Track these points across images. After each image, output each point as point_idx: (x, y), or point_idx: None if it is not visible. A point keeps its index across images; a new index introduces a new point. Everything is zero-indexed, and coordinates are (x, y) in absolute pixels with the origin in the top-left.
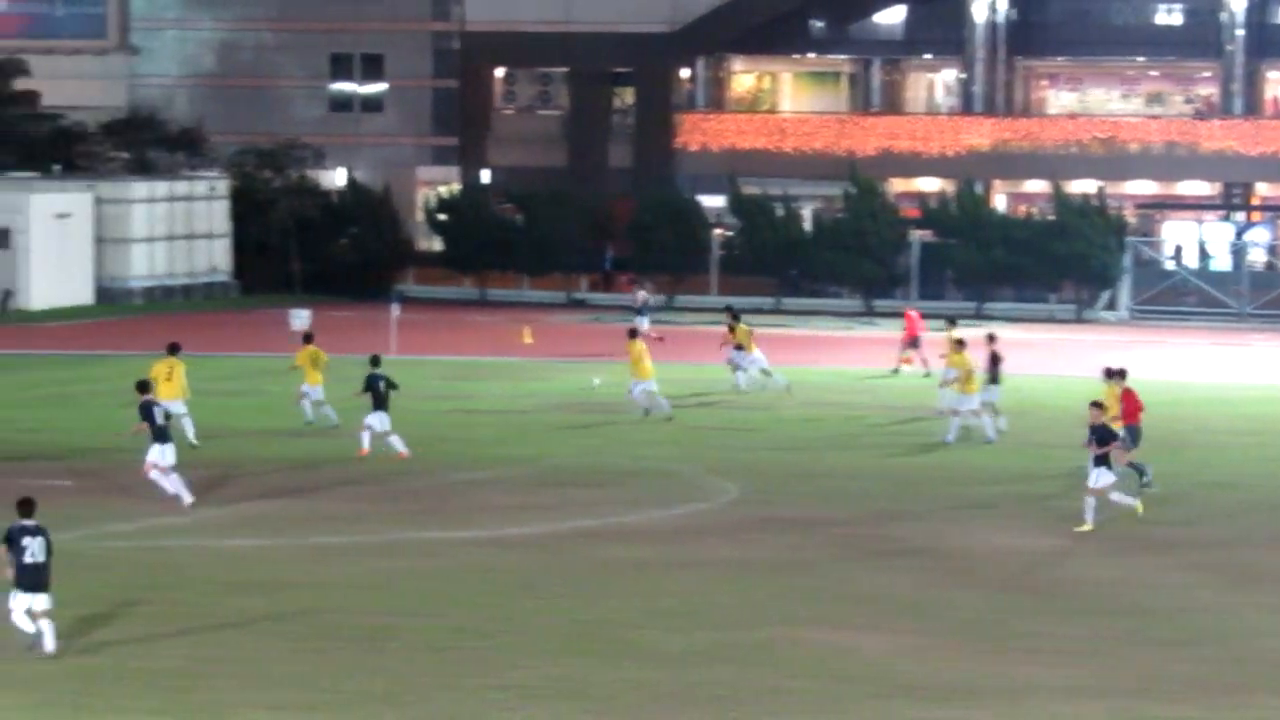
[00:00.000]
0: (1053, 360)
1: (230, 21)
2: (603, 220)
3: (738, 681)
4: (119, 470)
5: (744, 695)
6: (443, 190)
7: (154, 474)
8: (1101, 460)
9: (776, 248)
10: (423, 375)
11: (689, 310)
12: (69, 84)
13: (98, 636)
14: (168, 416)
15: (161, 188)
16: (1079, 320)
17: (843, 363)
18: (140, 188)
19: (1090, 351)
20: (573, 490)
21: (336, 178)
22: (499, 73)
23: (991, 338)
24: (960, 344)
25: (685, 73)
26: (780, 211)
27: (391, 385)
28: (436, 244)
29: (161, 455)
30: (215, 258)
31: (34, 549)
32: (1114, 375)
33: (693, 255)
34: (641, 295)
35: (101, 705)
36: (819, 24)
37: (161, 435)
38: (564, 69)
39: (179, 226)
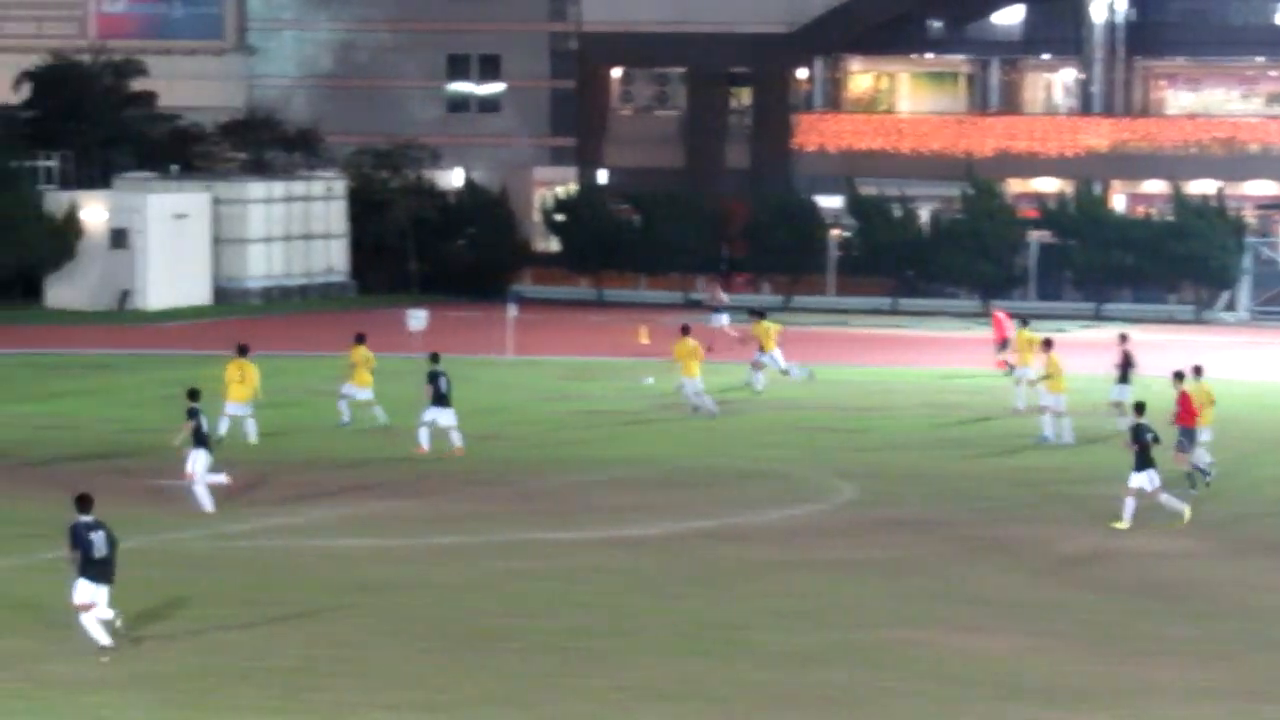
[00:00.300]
0: (1172, 361)
1: (348, 22)
2: (719, 221)
3: (854, 683)
4: (237, 471)
5: (860, 697)
6: (560, 191)
7: (198, 487)
8: (1140, 461)
9: (894, 248)
10: (540, 375)
11: (805, 311)
12: (186, 84)
13: (216, 636)
14: (204, 439)
15: (279, 188)
16: (1198, 321)
17: (959, 363)
18: (257, 188)
19: (1209, 352)
20: (689, 491)
21: (453, 178)
22: (616, 73)
23: (1124, 337)
24: (1048, 344)
25: (803, 73)
26: (898, 212)
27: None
28: (553, 244)
29: (196, 460)
30: (332, 258)
31: (98, 543)
32: (1180, 376)
33: (809, 256)
34: (722, 295)
35: (220, 704)
36: (937, 24)
37: (201, 440)
38: (681, 69)
39: (296, 227)
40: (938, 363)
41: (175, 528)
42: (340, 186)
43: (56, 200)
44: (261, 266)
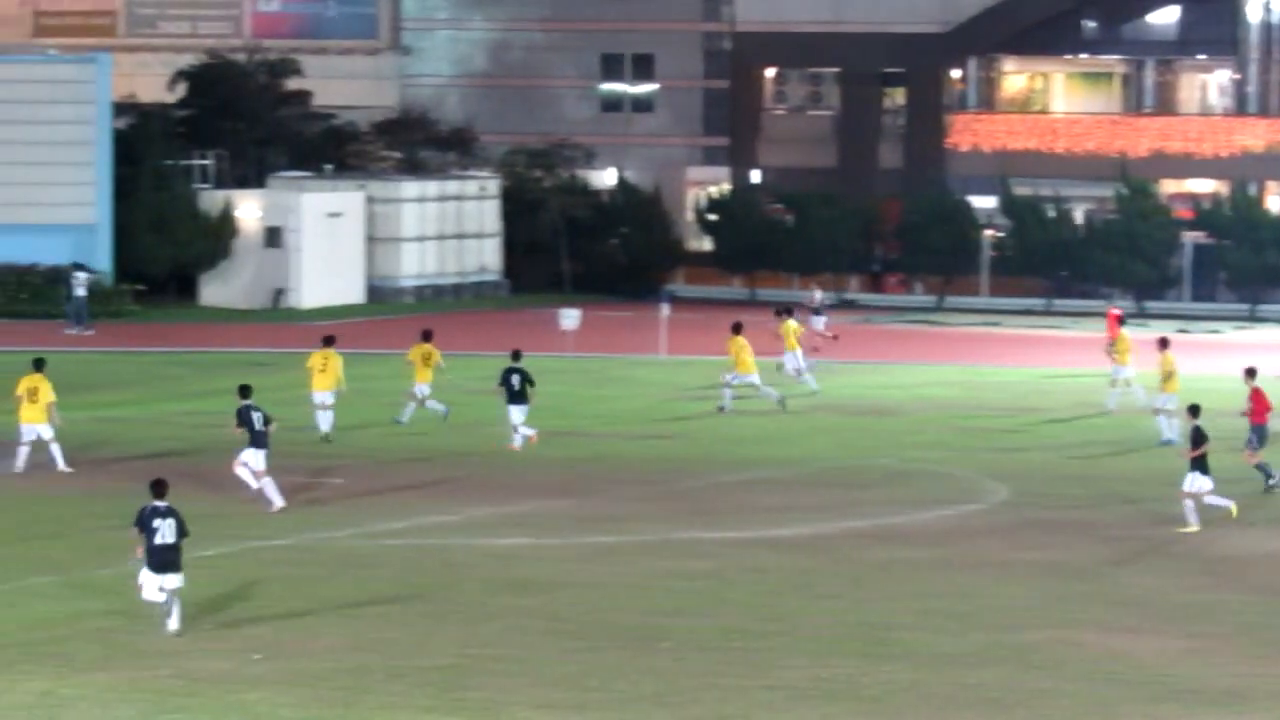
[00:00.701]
0: None
1: (501, 21)
2: (872, 221)
3: (1008, 683)
4: (391, 468)
5: (1014, 697)
6: (713, 190)
7: (240, 469)
8: (1196, 464)
9: (1047, 249)
10: (692, 375)
11: (958, 312)
12: (340, 84)
13: (370, 634)
14: (267, 422)
15: (432, 187)
16: None
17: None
18: (411, 187)
19: None
20: (842, 490)
21: (606, 178)
22: (769, 73)
23: None
24: (1164, 343)
25: (956, 73)
26: (1051, 213)
27: (528, 381)
28: (706, 244)
29: (255, 459)
30: (485, 257)
31: (164, 530)
32: (1251, 373)
33: (962, 256)
34: (818, 296)
35: (373, 702)
36: (1091, 24)
37: (258, 440)
38: (835, 69)
39: (449, 226)
40: (1090, 364)
41: (329, 526)
42: (494, 186)
43: (211, 199)
44: (414, 265)
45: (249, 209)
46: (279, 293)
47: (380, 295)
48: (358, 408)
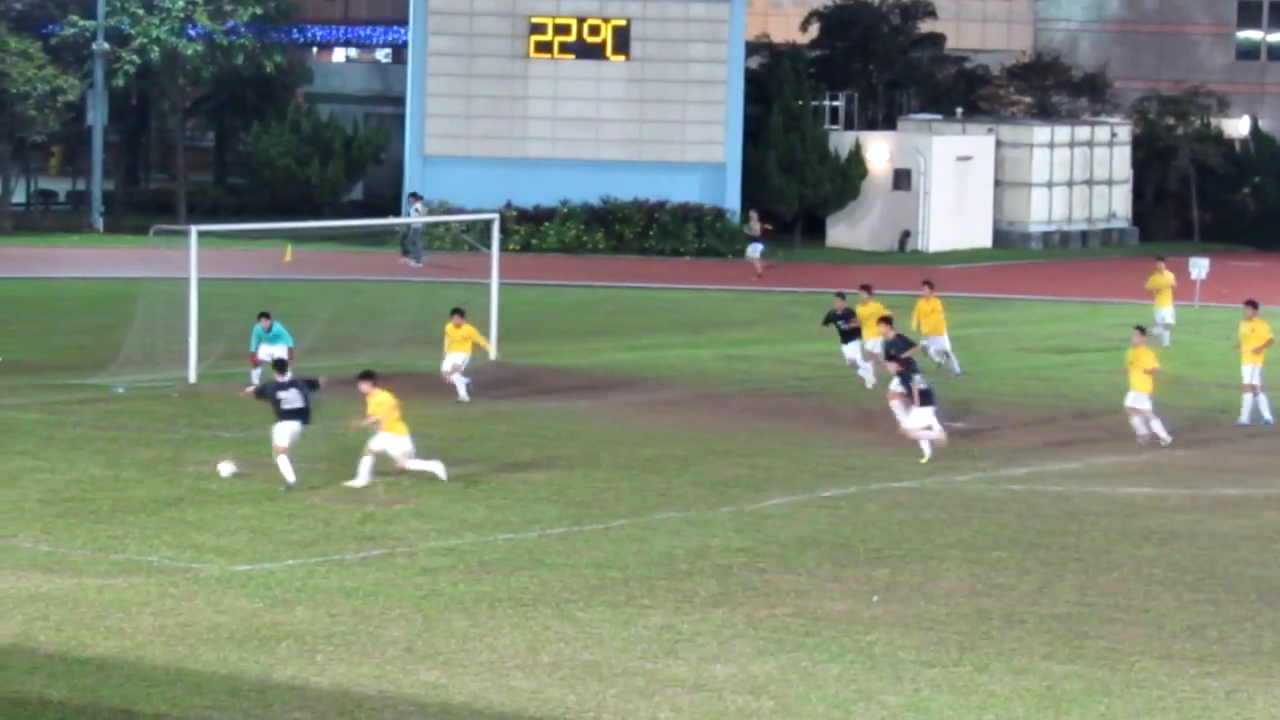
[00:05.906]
0: None
1: None
2: None
3: None
4: (1015, 412)
5: None
6: None
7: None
8: None
9: None
10: None
11: None
12: (974, 27)
13: (990, 579)
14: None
15: (1062, 132)
16: None
17: None
18: (1041, 132)
19: None
20: None
21: (1240, 126)
22: None
23: None
24: None
25: None
26: None
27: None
28: None
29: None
30: (1114, 204)
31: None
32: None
33: None
34: (756, 226)
35: (990, 648)
36: None
37: (292, 415)
38: None
39: (1079, 172)
40: None
41: (952, 469)
42: (1125, 132)
43: (841, 140)
44: (1043, 211)
45: (878, 151)
46: (905, 235)
47: (1007, 240)
48: (985, 353)
